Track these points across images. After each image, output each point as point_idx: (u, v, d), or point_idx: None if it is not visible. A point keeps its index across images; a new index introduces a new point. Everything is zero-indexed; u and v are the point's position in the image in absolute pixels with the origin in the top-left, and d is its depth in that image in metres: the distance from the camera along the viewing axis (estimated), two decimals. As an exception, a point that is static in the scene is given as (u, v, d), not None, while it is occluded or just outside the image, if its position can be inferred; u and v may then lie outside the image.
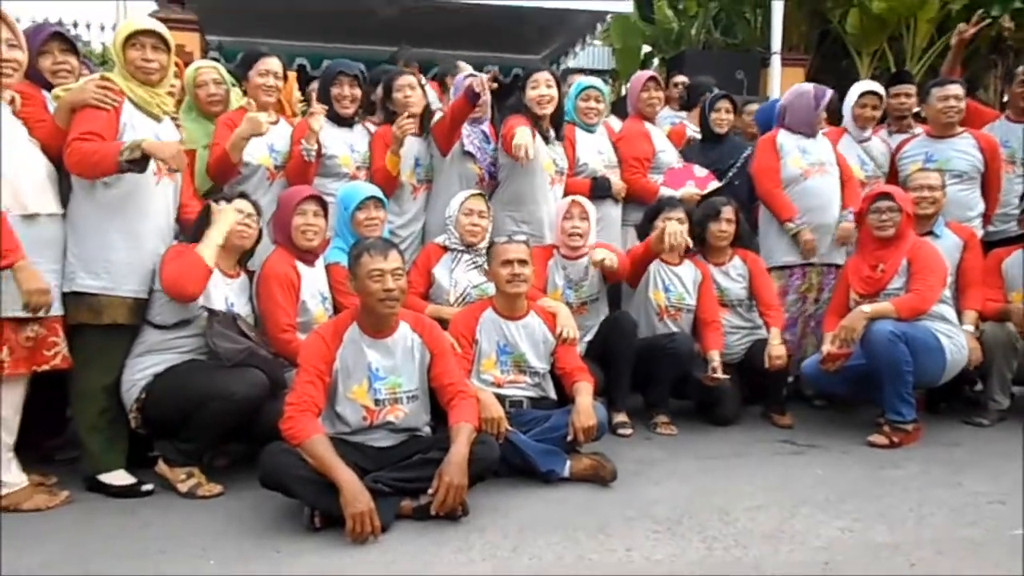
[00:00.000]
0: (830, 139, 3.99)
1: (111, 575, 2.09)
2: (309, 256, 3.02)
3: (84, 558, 2.18)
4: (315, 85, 3.91)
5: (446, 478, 2.32)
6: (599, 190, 3.79)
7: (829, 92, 3.94)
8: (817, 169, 3.84)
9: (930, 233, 3.64)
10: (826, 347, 3.34)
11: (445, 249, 3.38)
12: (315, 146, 3.31)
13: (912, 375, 3.17)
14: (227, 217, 2.74)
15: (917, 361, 3.16)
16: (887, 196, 3.41)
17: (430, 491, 2.35)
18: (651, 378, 3.50)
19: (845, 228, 3.84)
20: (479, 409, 2.62)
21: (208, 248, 2.63)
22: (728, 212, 3.65)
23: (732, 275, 3.70)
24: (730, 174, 4.12)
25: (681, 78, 5.03)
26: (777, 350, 3.44)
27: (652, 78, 4.12)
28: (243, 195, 2.90)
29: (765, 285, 3.68)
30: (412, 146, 3.59)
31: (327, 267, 3.11)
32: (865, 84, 4.14)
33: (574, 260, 3.49)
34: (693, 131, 4.44)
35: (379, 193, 3.24)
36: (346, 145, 3.53)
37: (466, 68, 4.16)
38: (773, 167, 3.87)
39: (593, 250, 3.41)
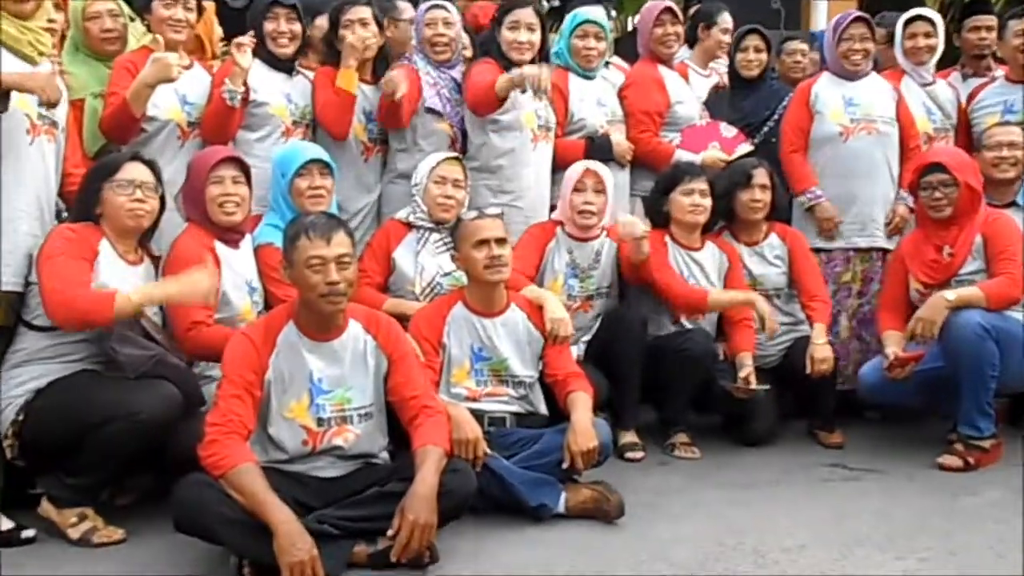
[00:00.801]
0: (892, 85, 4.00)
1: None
2: (232, 235, 3.02)
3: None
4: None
5: (410, 516, 2.33)
6: (597, 152, 3.78)
7: (853, 15, 3.94)
8: (862, 126, 3.87)
9: (1012, 204, 3.68)
10: (892, 348, 3.37)
11: (409, 227, 3.39)
12: (242, 88, 3.31)
13: (996, 380, 3.20)
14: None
15: (1004, 362, 3.18)
16: (938, 167, 3.42)
17: (390, 532, 2.35)
18: (666, 387, 3.53)
19: (899, 214, 3.89)
20: (450, 429, 2.63)
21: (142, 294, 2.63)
22: (761, 176, 3.67)
23: (768, 257, 3.74)
24: (764, 130, 4.16)
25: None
26: (821, 351, 3.47)
27: (668, 9, 4.11)
28: (137, 157, 2.86)
29: (809, 269, 3.71)
30: (363, 97, 3.60)
31: (257, 250, 3.12)
32: (914, 11, 4.14)
33: (583, 242, 3.53)
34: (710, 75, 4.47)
35: (325, 156, 3.24)
36: (281, 93, 3.55)
37: (407, 10, 4.04)
38: (800, 125, 3.92)
39: (621, 225, 3.40)
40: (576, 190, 3.48)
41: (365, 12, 3.56)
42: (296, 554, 2.20)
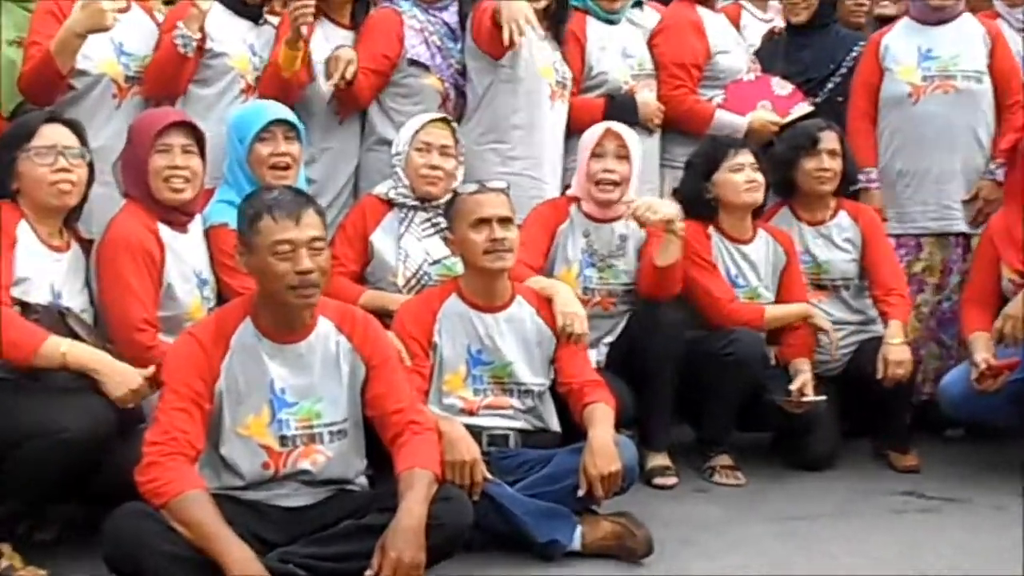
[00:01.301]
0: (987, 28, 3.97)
1: None
2: (179, 216, 2.99)
3: None
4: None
5: (392, 553, 2.28)
6: (619, 112, 3.77)
7: None
8: (936, 84, 3.87)
9: None
10: (982, 355, 3.34)
11: (389, 204, 3.39)
12: (198, 34, 3.30)
13: None
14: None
15: None
16: None
17: (368, 573, 2.32)
18: (705, 399, 3.52)
19: (983, 194, 3.85)
20: (442, 448, 2.63)
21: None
22: (830, 140, 3.67)
23: (836, 240, 3.75)
24: (828, 87, 4.11)
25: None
26: (897, 352, 3.45)
27: None
28: (54, 118, 2.82)
29: (885, 256, 3.71)
30: (339, 44, 3.59)
31: (208, 232, 3.10)
32: None
33: (603, 223, 3.51)
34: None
35: (291, 116, 3.24)
36: (243, 43, 3.54)
37: None
38: (868, 84, 3.97)
39: (639, 207, 3.36)
40: (594, 156, 3.46)
41: None
42: None
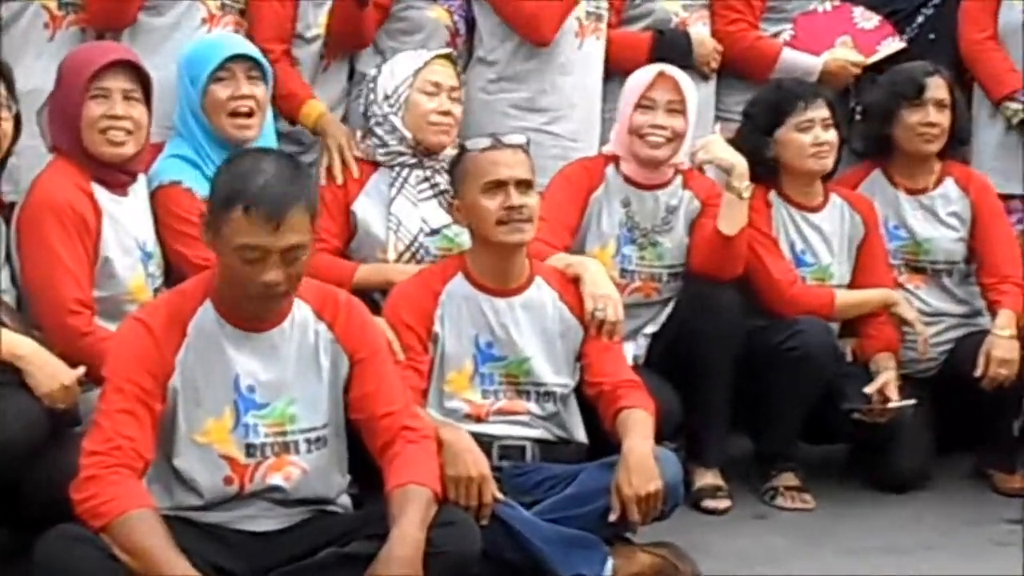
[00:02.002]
0: None
1: None
2: (117, 176, 3.00)
3: None
4: None
5: None
6: (669, 51, 3.81)
7: None
8: None
9: None
10: (990, 352, 3.41)
11: (373, 165, 3.42)
12: None
13: None
14: None
15: None
16: None
17: None
18: (764, 404, 3.53)
19: None
20: (443, 462, 2.64)
21: None
22: (938, 88, 3.68)
23: (940, 213, 3.76)
24: (918, 20, 4.11)
25: None
26: (1003, 348, 3.47)
27: None
28: None
29: (1000, 236, 3.74)
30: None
31: (155, 193, 3.12)
32: None
33: (647, 189, 3.52)
34: None
35: (253, 51, 3.26)
36: None
37: None
38: (980, 8, 3.95)
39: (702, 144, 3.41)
40: (641, 107, 3.45)
41: None
42: None
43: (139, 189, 3.08)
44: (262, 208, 2.36)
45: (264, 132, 3.24)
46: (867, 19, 4.04)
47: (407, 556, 2.31)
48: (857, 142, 3.87)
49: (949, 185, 3.78)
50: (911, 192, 3.78)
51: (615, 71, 3.71)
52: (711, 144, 3.37)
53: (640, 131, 3.44)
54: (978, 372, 3.44)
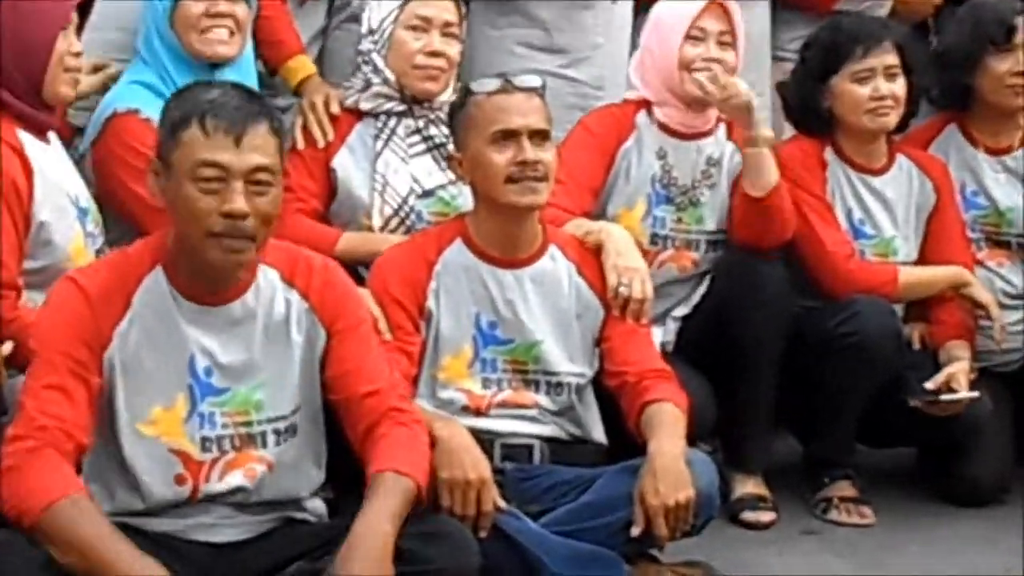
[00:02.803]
0: None
1: None
2: (47, 120, 3.00)
3: None
4: None
5: None
6: None
7: None
8: None
9: None
10: None
11: (357, 115, 3.43)
12: None
13: None
14: None
15: None
16: None
17: None
18: (815, 400, 3.54)
19: None
20: (435, 462, 2.66)
21: None
22: None
23: None
24: None
25: None
26: None
27: None
28: None
29: None
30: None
31: (109, 123, 3.17)
32: None
33: (688, 140, 3.55)
34: None
35: None
36: None
37: None
38: None
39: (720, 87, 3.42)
40: (691, 38, 3.46)
41: None
42: None
43: (53, 138, 3.07)
44: (221, 119, 2.40)
45: (243, 65, 3.29)
46: None
47: (371, 551, 2.31)
48: (935, 90, 3.87)
49: None
50: (993, 152, 3.82)
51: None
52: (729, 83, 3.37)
53: (692, 65, 3.44)
54: None
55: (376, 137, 3.39)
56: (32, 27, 2.94)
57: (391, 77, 3.36)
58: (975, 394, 3.47)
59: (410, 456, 2.50)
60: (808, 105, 3.66)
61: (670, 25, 3.51)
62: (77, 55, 2.96)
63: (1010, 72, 3.66)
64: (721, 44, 3.46)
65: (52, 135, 3.06)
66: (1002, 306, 3.67)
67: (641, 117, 3.54)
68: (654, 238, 3.47)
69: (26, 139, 2.92)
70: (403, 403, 2.61)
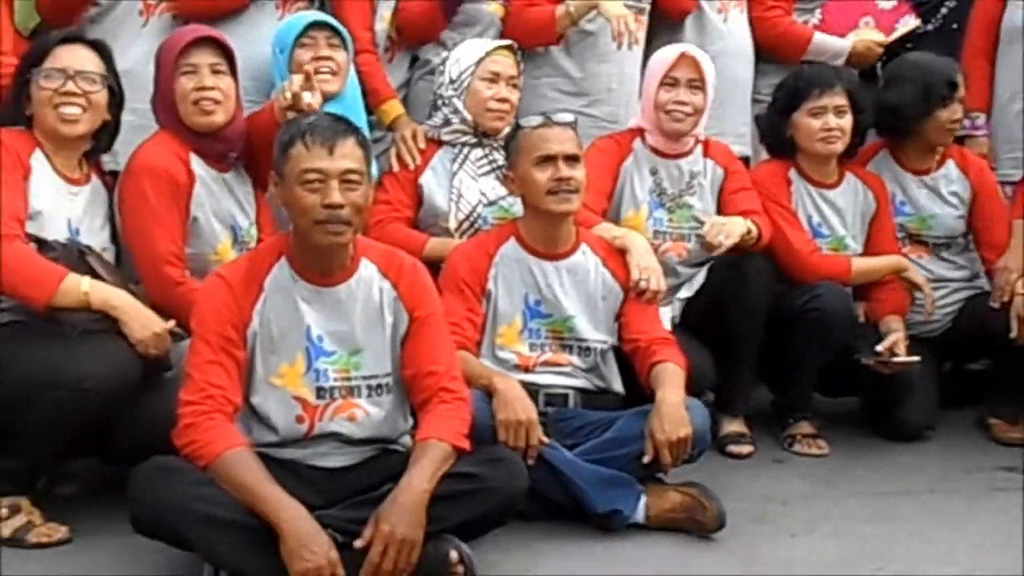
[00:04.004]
0: None
1: None
2: (214, 147, 2.98)
3: None
4: None
5: (385, 527, 2.27)
6: None
7: None
8: None
9: None
10: (1020, 310, 3.39)
11: (438, 144, 3.41)
12: None
13: None
14: None
15: None
16: None
17: (358, 543, 2.32)
18: (785, 360, 3.52)
19: None
20: (495, 406, 2.71)
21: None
22: (961, 84, 3.63)
23: (943, 192, 3.74)
24: (943, 11, 4.03)
25: None
26: None
27: None
28: (74, 37, 2.83)
29: (997, 213, 3.73)
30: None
31: None
32: None
33: (672, 158, 3.48)
34: None
35: (333, 21, 3.30)
36: None
37: None
38: (988, 14, 3.92)
39: (714, 230, 3.33)
40: (664, 85, 3.41)
41: None
42: (310, 558, 2.21)
43: (234, 171, 3.08)
44: (317, 136, 2.43)
45: (348, 101, 3.26)
46: (887, 0, 3.99)
47: (410, 503, 2.32)
48: (880, 122, 3.81)
49: (951, 167, 3.76)
50: (916, 172, 3.75)
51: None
52: (725, 226, 3.30)
53: (665, 107, 3.41)
54: (1013, 334, 3.39)
55: (453, 161, 3.37)
56: (161, 78, 2.96)
57: (468, 117, 3.34)
58: (916, 358, 3.43)
59: (450, 425, 2.49)
60: (776, 134, 3.63)
61: (651, 73, 3.48)
62: (206, 89, 2.90)
63: (950, 119, 3.61)
64: (691, 88, 3.41)
65: (238, 169, 3.08)
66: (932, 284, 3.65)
67: (637, 142, 3.51)
68: (656, 234, 3.43)
69: (196, 160, 2.93)
70: (453, 384, 2.58)
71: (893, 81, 3.74)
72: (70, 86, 2.72)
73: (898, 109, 3.63)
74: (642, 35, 3.76)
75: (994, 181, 3.79)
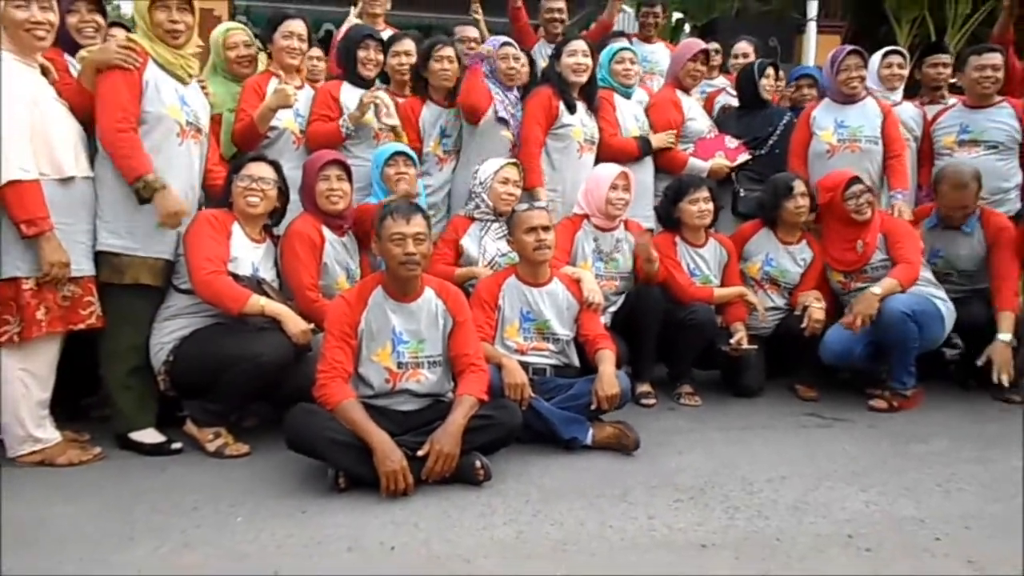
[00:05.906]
0: (883, 109, 3.81)
1: (149, 526, 2.13)
2: (336, 221, 3.00)
3: (122, 510, 2.23)
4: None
5: (436, 446, 2.34)
6: (645, 147, 3.78)
7: (847, 49, 3.78)
8: (847, 146, 3.73)
9: (959, 229, 3.57)
10: (811, 315, 3.38)
11: (471, 220, 3.36)
12: (353, 127, 3.41)
13: (917, 349, 3.28)
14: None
15: (923, 333, 3.24)
16: (858, 180, 3.44)
17: (420, 452, 2.35)
18: (675, 349, 3.47)
19: (897, 209, 3.64)
20: (503, 375, 2.69)
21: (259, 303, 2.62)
22: (801, 187, 3.54)
23: (797, 258, 3.63)
24: (770, 142, 3.99)
25: (715, 45, 4.77)
26: (819, 313, 3.39)
27: (704, 51, 4.00)
28: (262, 157, 2.88)
29: (817, 275, 3.61)
30: (439, 117, 3.63)
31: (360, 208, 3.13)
32: (889, 48, 4.08)
33: (606, 232, 3.42)
34: (727, 95, 4.36)
35: (407, 149, 3.28)
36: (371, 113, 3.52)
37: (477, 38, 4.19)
38: (800, 141, 3.85)
39: (639, 237, 3.37)
40: (613, 188, 3.34)
41: (450, 51, 3.60)
42: (391, 464, 2.28)
43: (347, 237, 3.06)
44: (399, 214, 2.46)
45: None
46: (732, 142, 3.94)
47: (453, 431, 2.38)
48: (748, 209, 3.81)
49: (805, 245, 3.63)
50: (784, 243, 3.62)
51: (615, 160, 3.61)
52: (643, 246, 3.32)
53: (612, 202, 3.35)
54: (803, 325, 3.38)
55: (480, 230, 3.33)
56: (307, 181, 2.98)
57: (491, 205, 3.30)
58: (755, 347, 3.43)
59: (475, 386, 2.52)
60: (668, 216, 3.58)
61: (603, 178, 3.38)
62: (333, 189, 2.92)
63: (795, 207, 3.51)
64: (625, 189, 3.37)
65: (350, 235, 3.05)
66: (769, 308, 3.58)
67: (584, 222, 3.43)
68: (597, 276, 3.30)
69: (326, 230, 2.96)
70: (478, 360, 2.59)
71: (763, 187, 3.69)
72: (253, 186, 2.77)
73: (762, 203, 3.61)
74: (593, 156, 3.70)
75: (820, 257, 3.61)
